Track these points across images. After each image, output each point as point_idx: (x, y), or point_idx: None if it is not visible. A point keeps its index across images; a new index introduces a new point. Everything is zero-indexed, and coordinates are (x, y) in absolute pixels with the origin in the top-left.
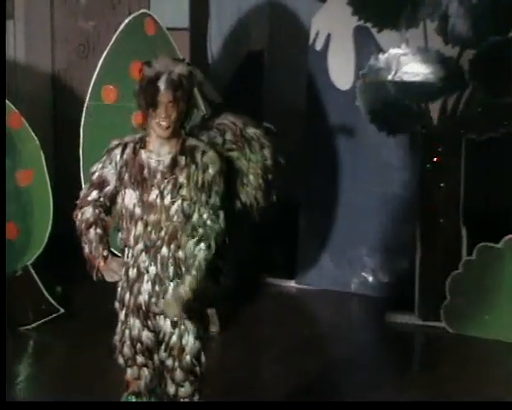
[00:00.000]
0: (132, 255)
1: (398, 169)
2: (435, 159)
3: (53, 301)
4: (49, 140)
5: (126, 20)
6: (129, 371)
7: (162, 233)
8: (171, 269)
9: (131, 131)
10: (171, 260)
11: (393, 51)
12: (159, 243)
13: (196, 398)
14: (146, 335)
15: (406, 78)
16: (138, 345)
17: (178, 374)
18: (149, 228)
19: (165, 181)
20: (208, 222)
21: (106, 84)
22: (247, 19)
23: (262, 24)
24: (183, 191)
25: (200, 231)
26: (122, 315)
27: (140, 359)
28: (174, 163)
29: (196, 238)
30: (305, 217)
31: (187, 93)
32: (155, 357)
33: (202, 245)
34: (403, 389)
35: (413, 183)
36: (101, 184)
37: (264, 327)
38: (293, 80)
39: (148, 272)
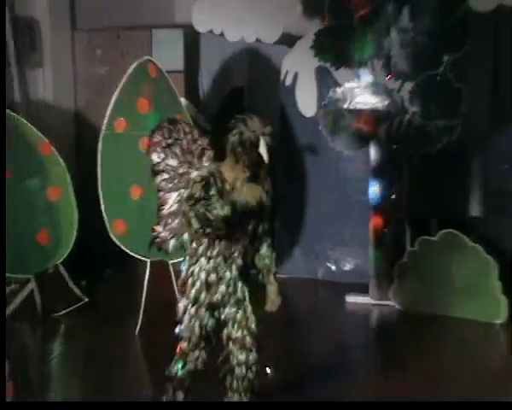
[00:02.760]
0: (213, 265)
1: (353, 180)
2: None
3: (79, 292)
4: (72, 163)
5: (133, 65)
6: (191, 353)
7: (240, 247)
8: (242, 273)
9: (137, 153)
10: (243, 267)
11: (348, 85)
12: (236, 254)
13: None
14: (211, 323)
15: (358, 106)
16: (204, 332)
17: (248, 340)
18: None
19: None
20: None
21: (117, 117)
22: (231, 62)
23: (242, 66)
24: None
25: (267, 239)
26: (193, 310)
27: (203, 344)
28: None
29: (266, 245)
30: (281, 219)
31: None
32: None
33: (271, 250)
34: (362, 353)
35: (366, 191)
36: None
37: None
38: (268, 110)
39: (224, 277)
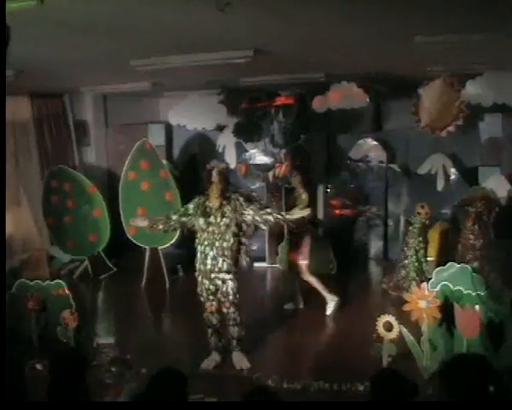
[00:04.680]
0: (202, 248)
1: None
2: None
3: (110, 265)
4: (107, 196)
5: (137, 143)
6: (207, 303)
7: (215, 236)
8: (220, 252)
9: (140, 191)
10: (220, 248)
11: (252, 151)
12: (214, 240)
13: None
14: (210, 285)
15: (257, 162)
16: (209, 291)
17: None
18: (210, 234)
19: (218, 213)
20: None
21: (130, 171)
22: (189, 140)
23: (195, 142)
24: (226, 214)
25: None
26: (200, 278)
27: (210, 298)
28: (221, 205)
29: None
30: None
31: (225, 176)
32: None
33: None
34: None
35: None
36: (186, 213)
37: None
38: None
39: (209, 254)
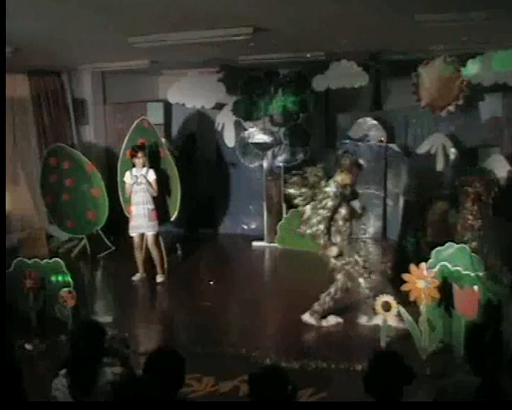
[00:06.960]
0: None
1: (255, 180)
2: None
3: (109, 243)
4: (105, 175)
5: (135, 122)
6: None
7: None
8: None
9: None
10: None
11: (251, 130)
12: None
13: None
14: None
15: (256, 141)
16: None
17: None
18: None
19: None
20: None
21: (127, 150)
22: (188, 119)
23: (194, 120)
24: None
25: None
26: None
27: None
28: None
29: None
30: (218, 203)
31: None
32: None
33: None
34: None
35: (261, 186)
36: None
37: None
38: (209, 145)
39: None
